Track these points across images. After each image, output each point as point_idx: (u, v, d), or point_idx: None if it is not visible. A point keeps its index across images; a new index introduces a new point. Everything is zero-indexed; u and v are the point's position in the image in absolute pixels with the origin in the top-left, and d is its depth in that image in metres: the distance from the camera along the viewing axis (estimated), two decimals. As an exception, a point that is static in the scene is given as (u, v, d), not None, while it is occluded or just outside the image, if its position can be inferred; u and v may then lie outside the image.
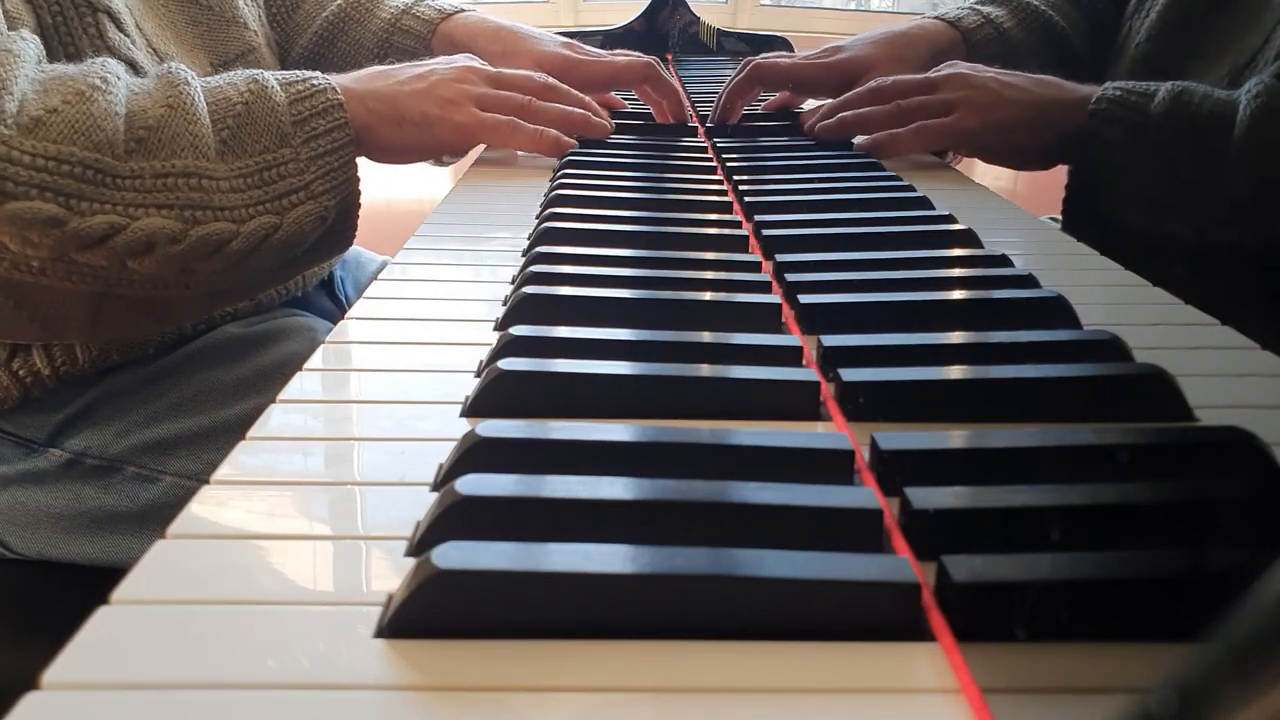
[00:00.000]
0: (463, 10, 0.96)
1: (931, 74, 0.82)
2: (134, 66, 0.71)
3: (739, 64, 0.96)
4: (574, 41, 0.96)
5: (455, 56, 0.79)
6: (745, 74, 0.94)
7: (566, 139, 0.79)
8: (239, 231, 0.63)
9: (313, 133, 0.66)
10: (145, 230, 0.60)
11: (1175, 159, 0.69)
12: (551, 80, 0.81)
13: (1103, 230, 0.66)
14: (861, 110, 0.83)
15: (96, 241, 0.60)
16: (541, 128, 0.77)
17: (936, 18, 0.98)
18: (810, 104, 1.02)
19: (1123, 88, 0.73)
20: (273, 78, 0.66)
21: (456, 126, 0.73)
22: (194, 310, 0.73)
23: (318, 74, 0.69)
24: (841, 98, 0.86)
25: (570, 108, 0.81)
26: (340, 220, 0.70)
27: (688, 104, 0.97)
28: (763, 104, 1.01)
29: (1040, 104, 0.77)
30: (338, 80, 0.69)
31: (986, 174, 0.84)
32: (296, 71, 0.68)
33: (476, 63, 0.78)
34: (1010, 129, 0.78)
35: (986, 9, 0.98)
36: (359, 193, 0.70)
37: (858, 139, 0.83)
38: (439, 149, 0.77)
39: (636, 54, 0.96)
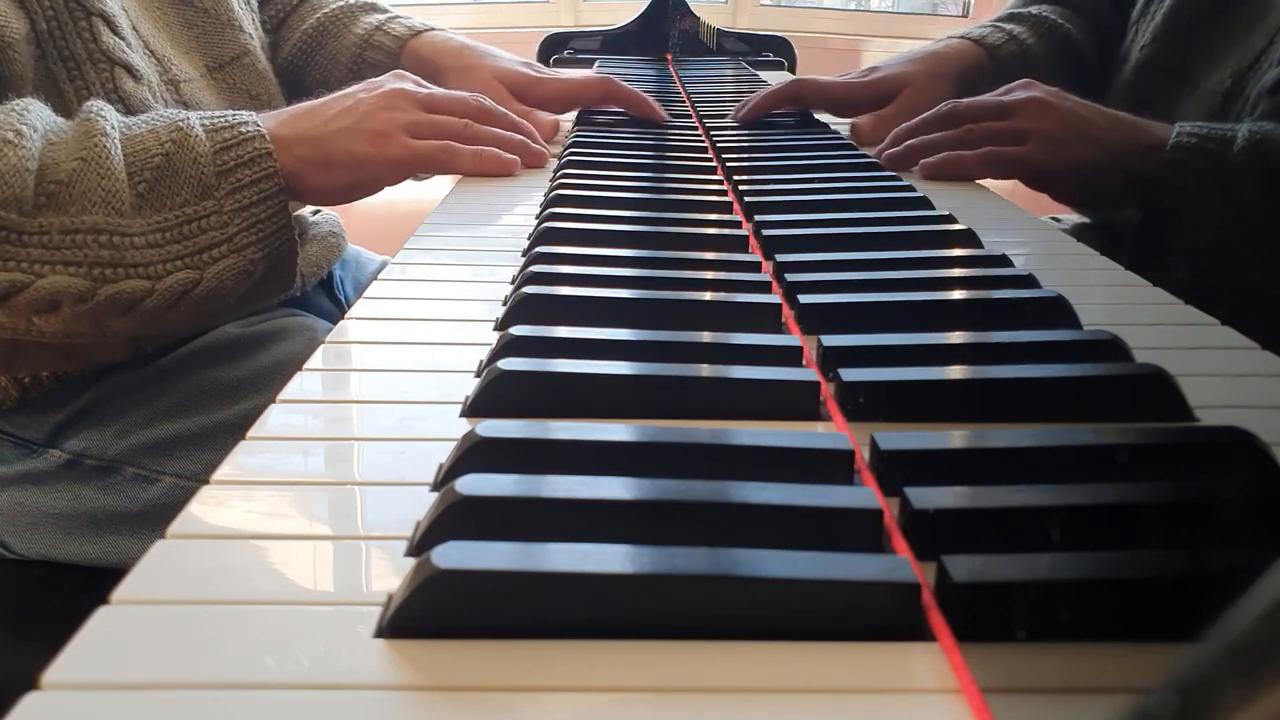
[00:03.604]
0: (432, 29, 0.97)
1: (1007, 97, 0.78)
2: (130, 70, 0.70)
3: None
4: (532, 61, 0.99)
5: (383, 79, 0.75)
6: (785, 88, 0.96)
7: (508, 156, 0.76)
8: (154, 289, 0.60)
9: (238, 184, 0.63)
10: (49, 289, 0.58)
11: (1256, 209, 0.67)
12: (488, 104, 0.78)
13: (1176, 277, 0.63)
14: (930, 136, 0.81)
15: None
16: (480, 148, 0.75)
17: (963, 36, 0.99)
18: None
19: (1198, 133, 0.70)
20: (199, 124, 0.63)
21: (389, 160, 0.70)
22: (115, 351, 0.72)
23: (249, 118, 0.65)
24: (910, 124, 0.84)
25: (507, 132, 0.78)
26: (275, 268, 0.67)
27: (658, 106, 0.97)
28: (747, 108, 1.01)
29: (1116, 147, 0.73)
30: (266, 125, 0.66)
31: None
32: (226, 114, 0.65)
33: (407, 83, 0.74)
34: (1082, 169, 0.74)
35: (1008, 26, 0.98)
36: (294, 241, 0.67)
37: (921, 163, 0.80)
38: (374, 186, 0.72)
39: (591, 73, 1.01)
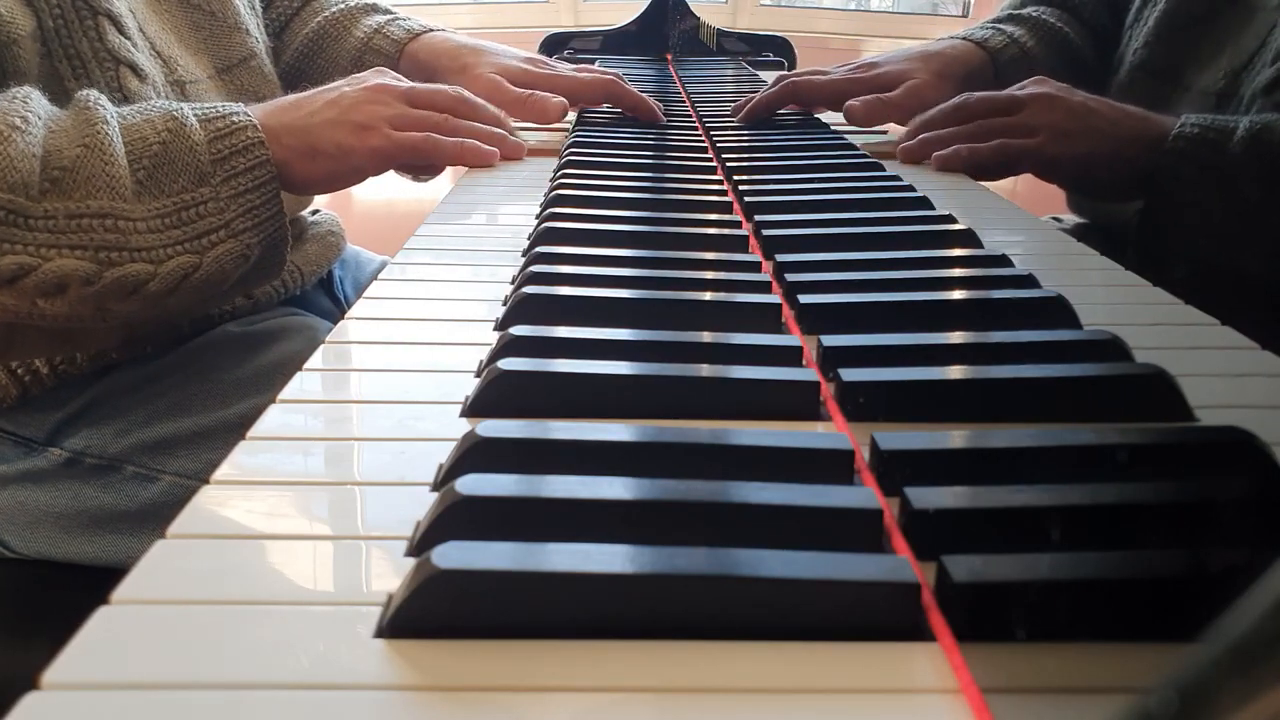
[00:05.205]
0: (430, 30, 0.97)
1: (1018, 92, 0.80)
2: (135, 69, 0.71)
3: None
4: (536, 57, 0.98)
5: (366, 74, 0.76)
6: (779, 90, 0.95)
7: (487, 148, 0.77)
8: (156, 272, 0.61)
9: (232, 171, 0.64)
10: (57, 271, 0.59)
11: (1255, 198, 0.67)
12: (467, 96, 0.79)
13: (1176, 269, 0.63)
14: (943, 131, 0.82)
15: (5, 282, 0.59)
16: (461, 139, 0.76)
17: (964, 38, 0.99)
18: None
19: (1200, 124, 0.71)
20: (192, 115, 0.64)
21: (373, 151, 0.71)
22: (111, 338, 0.73)
23: (238, 109, 0.67)
24: (925, 116, 0.85)
25: (487, 126, 0.79)
26: (268, 254, 0.68)
27: (659, 108, 0.97)
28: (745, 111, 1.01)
29: (1123, 138, 0.75)
30: (255, 116, 0.67)
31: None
32: (217, 105, 0.67)
33: (389, 79, 0.75)
34: (1090, 162, 0.76)
35: (1008, 28, 0.99)
36: (286, 227, 0.68)
37: (934, 156, 0.82)
38: (358, 176, 0.73)
39: (600, 70, 0.99)
